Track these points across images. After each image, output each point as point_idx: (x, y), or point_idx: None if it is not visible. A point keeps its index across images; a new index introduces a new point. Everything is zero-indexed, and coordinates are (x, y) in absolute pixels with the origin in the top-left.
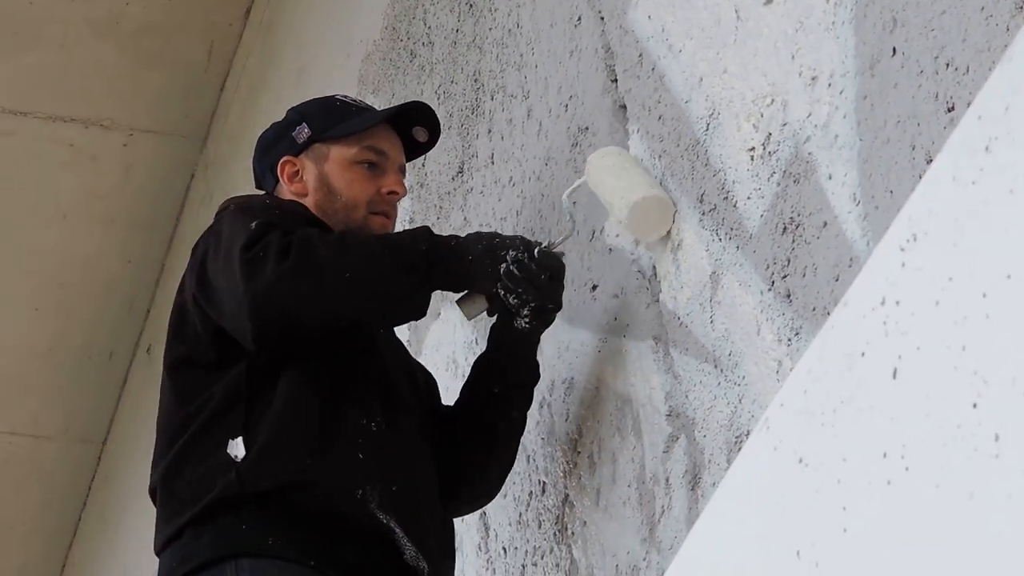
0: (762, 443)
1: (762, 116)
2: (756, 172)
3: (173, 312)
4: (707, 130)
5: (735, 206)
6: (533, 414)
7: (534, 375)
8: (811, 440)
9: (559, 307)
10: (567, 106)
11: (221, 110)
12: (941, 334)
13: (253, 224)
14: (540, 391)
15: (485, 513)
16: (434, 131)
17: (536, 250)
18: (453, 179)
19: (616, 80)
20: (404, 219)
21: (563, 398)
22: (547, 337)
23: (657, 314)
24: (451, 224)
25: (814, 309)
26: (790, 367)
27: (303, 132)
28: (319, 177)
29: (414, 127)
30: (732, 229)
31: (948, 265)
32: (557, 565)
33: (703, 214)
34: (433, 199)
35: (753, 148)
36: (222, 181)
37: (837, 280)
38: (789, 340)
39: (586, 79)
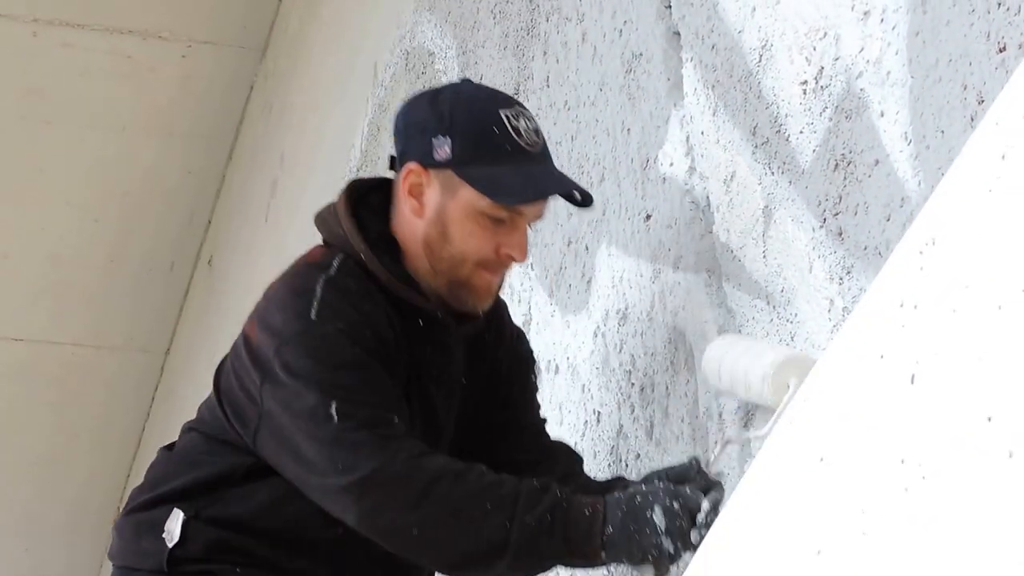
0: (785, 438)
1: (814, 49)
2: (808, 106)
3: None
4: (759, 61)
5: (788, 140)
6: (587, 343)
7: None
8: (831, 439)
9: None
10: (621, 31)
11: (280, 21)
12: (958, 341)
13: (333, 410)
14: (594, 320)
15: None
16: (586, 200)
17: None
18: None
19: (670, 6)
20: None
21: (617, 328)
22: (601, 267)
23: (711, 246)
24: None
25: (865, 248)
26: (842, 306)
27: (444, 150)
28: (439, 210)
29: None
30: (784, 163)
31: (965, 272)
32: None
33: (756, 147)
34: None
35: (805, 82)
36: (281, 92)
37: (888, 220)
38: (841, 279)
39: (640, 4)
